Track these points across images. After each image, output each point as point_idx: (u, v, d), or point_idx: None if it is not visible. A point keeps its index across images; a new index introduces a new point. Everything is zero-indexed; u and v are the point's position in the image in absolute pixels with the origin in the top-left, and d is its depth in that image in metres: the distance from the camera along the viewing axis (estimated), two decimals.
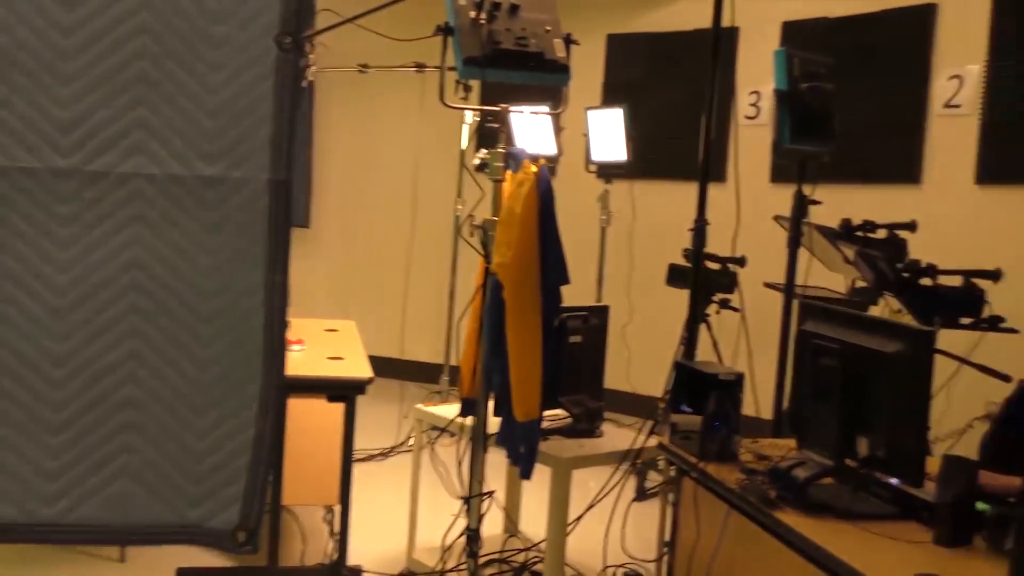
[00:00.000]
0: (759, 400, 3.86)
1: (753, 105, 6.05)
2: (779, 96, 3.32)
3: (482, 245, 2.79)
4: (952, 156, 5.21)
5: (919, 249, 3.94)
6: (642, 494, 4.54)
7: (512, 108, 2.83)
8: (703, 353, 4.71)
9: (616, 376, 6.26)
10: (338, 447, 3.51)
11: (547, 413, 3.29)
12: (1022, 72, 4.93)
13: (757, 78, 5.89)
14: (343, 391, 3.45)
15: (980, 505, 2.19)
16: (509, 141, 2.93)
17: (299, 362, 3.65)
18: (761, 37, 5.82)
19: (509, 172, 2.86)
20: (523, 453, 2.87)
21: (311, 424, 3.46)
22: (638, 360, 6.20)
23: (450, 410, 3.50)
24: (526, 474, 2.91)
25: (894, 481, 2.34)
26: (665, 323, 5.75)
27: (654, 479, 4.55)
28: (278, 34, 2.21)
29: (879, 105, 5.43)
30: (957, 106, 5.18)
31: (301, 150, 7.17)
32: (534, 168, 2.77)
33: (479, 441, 2.84)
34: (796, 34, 5.79)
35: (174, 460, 2.17)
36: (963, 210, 5.14)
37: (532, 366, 2.75)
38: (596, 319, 3.39)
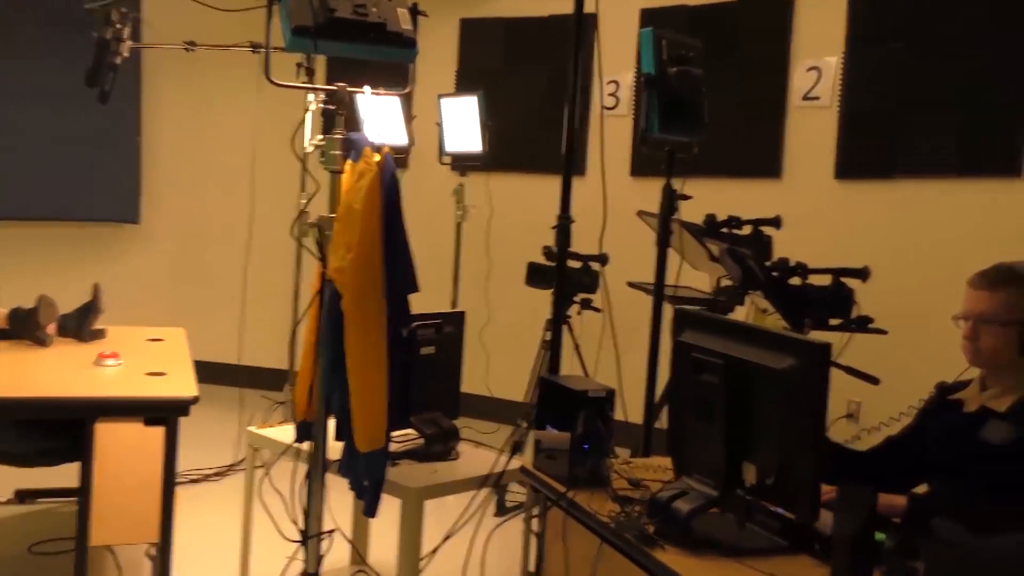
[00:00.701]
0: (627, 404, 3.64)
1: (612, 95, 5.83)
2: (646, 81, 3.06)
3: (318, 247, 2.41)
4: (812, 150, 5.12)
5: (780, 245, 3.80)
6: (503, 509, 4.23)
7: (350, 88, 2.45)
8: (565, 356, 4.45)
9: (474, 380, 5.96)
10: (158, 477, 3.08)
11: (396, 434, 2.94)
12: (879, 64, 4.87)
13: (615, 67, 5.69)
14: (162, 413, 3.01)
15: (878, 535, 1.97)
16: (353, 126, 2.55)
17: (112, 380, 3.19)
18: (619, 24, 5.61)
19: (350, 162, 2.48)
20: (367, 487, 2.50)
21: (126, 451, 3.00)
22: (497, 363, 5.92)
23: (288, 432, 3.10)
24: (370, 511, 2.54)
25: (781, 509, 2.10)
26: (525, 324, 5.49)
27: (516, 491, 4.25)
28: None
29: (739, 96, 5.30)
30: (816, 98, 5.09)
31: (129, 138, 6.55)
32: (377, 157, 2.40)
33: (317, 474, 2.46)
34: (655, 22, 5.59)
35: None
36: (823, 205, 5.05)
37: (376, 388, 2.38)
38: (450, 327, 3.05)
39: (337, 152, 2.40)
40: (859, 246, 4.86)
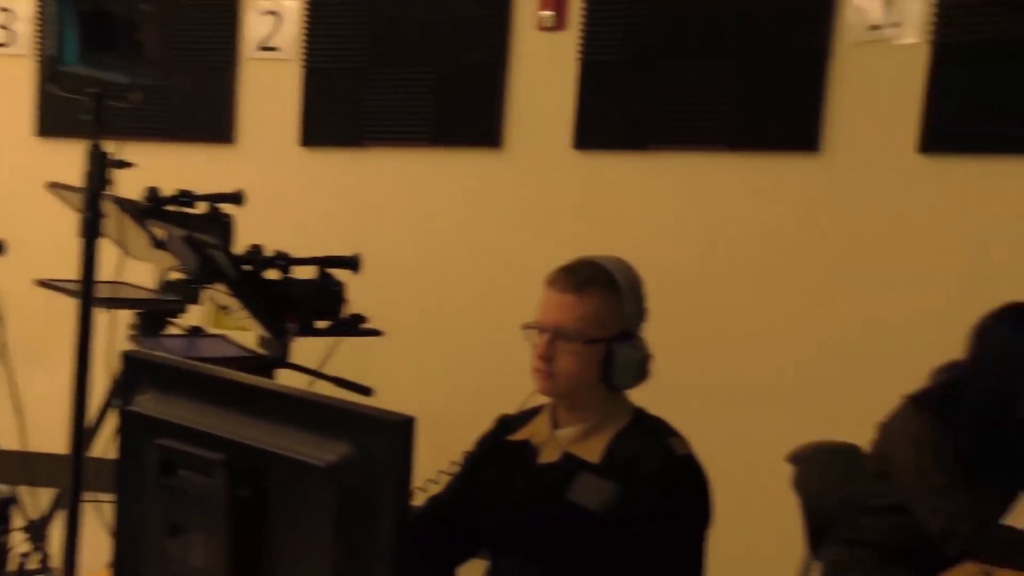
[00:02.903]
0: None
1: (2, 27, 4.42)
2: None
3: None
4: (273, 111, 4.29)
5: (240, 227, 2.98)
6: None
7: None
8: None
9: None
10: None
11: None
12: (346, 12, 4.18)
13: None
14: None
15: None
16: None
17: None
18: None
19: None
20: None
21: None
22: None
23: None
24: None
25: None
26: None
27: None
28: None
29: (177, 39, 4.25)
30: (275, 48, 4.27)
31: None
32: None
33: None
34: None
35: None
36: (288, 178, 4.26)
37: None
38: None
39: None
40: (330, 228, 4.13)
